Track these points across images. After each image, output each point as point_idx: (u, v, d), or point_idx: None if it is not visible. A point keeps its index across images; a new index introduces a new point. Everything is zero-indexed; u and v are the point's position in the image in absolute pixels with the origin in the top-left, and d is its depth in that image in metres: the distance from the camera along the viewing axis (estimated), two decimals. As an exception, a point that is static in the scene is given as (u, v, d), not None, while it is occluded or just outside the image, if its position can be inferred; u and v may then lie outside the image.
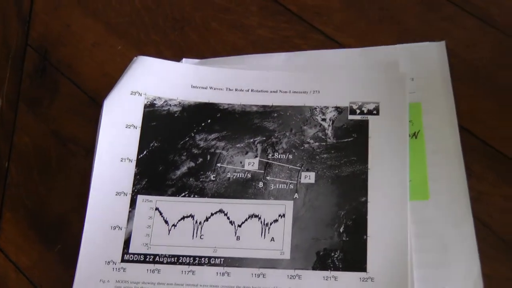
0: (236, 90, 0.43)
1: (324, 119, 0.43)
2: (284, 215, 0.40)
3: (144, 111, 0.43)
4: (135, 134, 0.43)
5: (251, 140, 0.43)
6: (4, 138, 0.44)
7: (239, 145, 0.43)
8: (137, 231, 0.40)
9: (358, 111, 0.42)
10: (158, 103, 0.44)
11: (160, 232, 0.40)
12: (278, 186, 0.41)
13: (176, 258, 0.40)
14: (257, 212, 0.40)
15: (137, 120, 0.43)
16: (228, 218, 0.40)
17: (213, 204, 0.41)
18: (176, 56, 0.45)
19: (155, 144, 0.43)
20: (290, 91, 0.43)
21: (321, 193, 0.40)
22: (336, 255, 0.39)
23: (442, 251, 0.38)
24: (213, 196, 0.41)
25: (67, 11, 0.48)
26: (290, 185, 0.41)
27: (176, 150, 0.43)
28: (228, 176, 0.42)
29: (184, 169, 0.42)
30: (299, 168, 0.41)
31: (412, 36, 0.44)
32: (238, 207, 0.41)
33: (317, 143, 0.42)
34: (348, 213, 0.40)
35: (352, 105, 0.43)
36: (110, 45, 0.47)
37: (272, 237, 0.39)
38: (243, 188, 0.41)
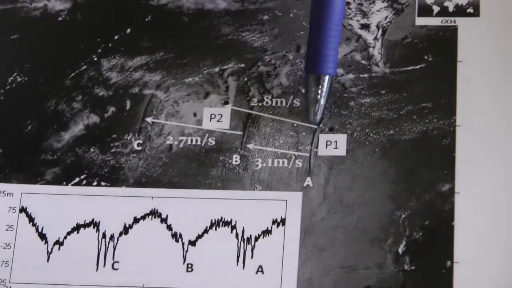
0: (186, -33, 0.44)
1: (366, 26, 0.40)
2: (283, 221, 0.37)
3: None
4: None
5: (216, 69, 0.40)
6: None
7: (190, 79, 0.40)
8: (-18, 256, 0.40)
9: (435, 8, 0.40)
10: (24, -5, 0.45)
11: (31, 258, 0.37)
12: (272, 162, 0.38)
13: (63, 312, 0.40)
14: (228, 215, 0.37)
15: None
16: (168, 226, 0.37)
17: (138, 200, 0.38)
18: None
19: (17, 79, 0.40)
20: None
21: (359, 176, 0.38)
22: (390, 304, 0.38)
23: None
24: (138, 183, 0.38)
25: None
26: (296, 161, 0.38)
27: (61, 90, 0.40)
28: (168, 143, 0.39)
29: (78, 128, 0.39)
30: (315, 126, 0.38)
31: None
32: (190, 206, 0.38)
33: (351, 75, 0.39)
34: (416, 216, 0.37)
35: (425, -4, 0.43)
36: None
37: (260, 266, 0.36)
38: (199, 167, 0.38)
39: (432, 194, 0.37)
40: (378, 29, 0.40)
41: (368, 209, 0.37)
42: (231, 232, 0.38)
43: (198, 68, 0.40)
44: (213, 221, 0.38)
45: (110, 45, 0.40)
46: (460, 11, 0.39)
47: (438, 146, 0.37)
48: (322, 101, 0.38)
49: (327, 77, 0.38)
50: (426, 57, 0.39)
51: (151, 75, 0.40)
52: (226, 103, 0.39)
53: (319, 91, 0.38)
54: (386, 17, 0.40)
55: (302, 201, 0.37)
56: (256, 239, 0.38)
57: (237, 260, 0.37)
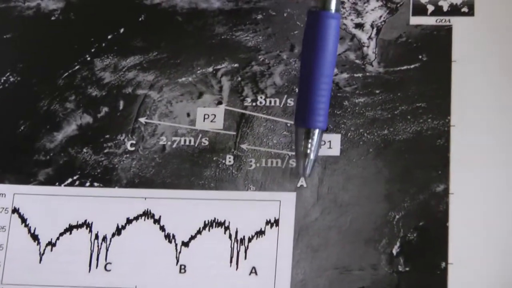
0: (179, -33, 0.44)
1: (360, 25, 0.40)
2: (277, 222, 0.37)
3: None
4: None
5: (210, 69, 0.40)
6: None
7: (184, 79, 0.40)
8: (-27, 258, 0.40)
9: (430, 7, 0.40)
10: (17, -5, 0.45)
11: (23, 259, 0.37)
12: (265, 162, 0.38)
13: (55, 314, 0.40)
14: (221, 216, 0.37)
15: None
16: (161, 228, 0.37)
17: (131, 200, 0.38)
18: None
19: (10, 79, 0.41)
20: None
21: (353, 177, 0.38)
22: (384, 305, 0.38)
23: None
24: (130, 184, 0.38)
25: None
26: (290, 161, 0.38)
27: (54, 90, 0.40)
28: (161, 143, 0.39)
29: (71, 129, 0.40)
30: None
31: None
32: (183, 207, 0.38)
33: (345, 74, 0.39)
34: (410, 216, 0.37)
35: (419, -5, 0.43)
36: None
37: (253, 267, 0.37)
38: (192, 167, 0.39)
39: (427, 195, 0.37)
40: (373, 28, 0.40)
41: (362, 210, 0.37)
42: (225, 233, 0.38)
43: (191, 68, 0.40)
44: (206, 222, 0.38)
45: (103, 44, 0.41)
46: (454, 10, 0.39)
47: (433, 146, 0.37)
48: (312, 156, 0.38)
49: (317, 131, 0.38)
50: (420, 57, 0.39)
51: (144, 75, 0.40)
52: (219, 103, 0.39)
53: (309, 145, 0.38)
54: (381, 16, 0.40)
55: (296, 201, 0.37)
56: (250, 240, 0.38)
57: (231, 261, 0.37)
